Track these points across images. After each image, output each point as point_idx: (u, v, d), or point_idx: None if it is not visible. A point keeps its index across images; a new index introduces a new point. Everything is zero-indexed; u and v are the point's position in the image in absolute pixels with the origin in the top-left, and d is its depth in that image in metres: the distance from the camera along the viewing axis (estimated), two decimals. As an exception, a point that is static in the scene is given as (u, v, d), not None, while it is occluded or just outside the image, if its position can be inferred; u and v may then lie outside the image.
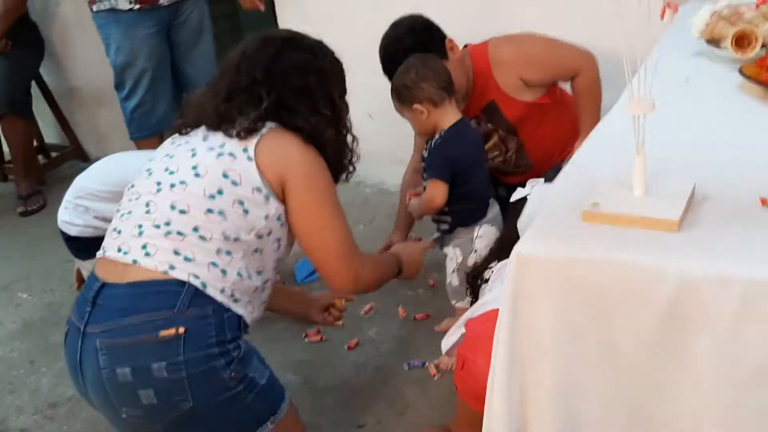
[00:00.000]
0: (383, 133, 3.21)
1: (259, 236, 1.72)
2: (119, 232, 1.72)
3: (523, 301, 1.23)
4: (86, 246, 2.72)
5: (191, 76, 3.68)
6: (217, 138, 1.74)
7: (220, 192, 1.67)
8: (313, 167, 1.76)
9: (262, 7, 3.49)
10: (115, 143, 4.05)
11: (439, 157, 2.24)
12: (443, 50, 2.52)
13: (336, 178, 1.89)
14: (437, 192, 2.23)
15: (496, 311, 1.83)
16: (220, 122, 1.74)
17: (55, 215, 2.80)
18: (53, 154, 4.43)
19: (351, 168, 1.94)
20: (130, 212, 1.73)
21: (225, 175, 1.68)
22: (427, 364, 2.45)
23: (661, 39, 1.99)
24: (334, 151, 1.84)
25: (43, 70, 4.16)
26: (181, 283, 1.62)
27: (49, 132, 4.47)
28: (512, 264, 1.22)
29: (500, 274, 2.03)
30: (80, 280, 3.00)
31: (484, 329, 1.65)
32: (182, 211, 1.67)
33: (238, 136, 1.70)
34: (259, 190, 1.69)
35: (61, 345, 2.89)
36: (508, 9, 3.05)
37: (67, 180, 2.92)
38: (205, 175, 1.69)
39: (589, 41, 2.91)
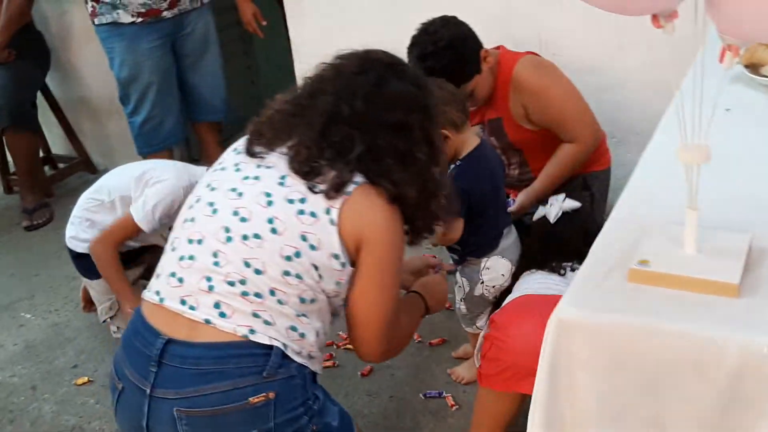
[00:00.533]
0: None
1: (329, 297, 1.57)
2: (181, 280, 1.53)
3: (563, 370, 1.09)
4: (94, 265, 2.60)
5: (198, 88, 3.56)
6: (298, 187, 1.52)
7: (297, 254, 1.49)
8: (391, 237, 1.56)
9: (260, 34, 3.46)
10: (123, 154, 3.91)
11: (454, 192, 2.09)
12: (478, 62, 2.37)
13: (422, 232, 1.69)
14: (453, 227, 2.09)
15: (517, 298, 1.83)
16: (306, 169, 1.51)
17: (62, 229, 2.68)
18: (60, 165, 4.29)
19: (439, 219, 1.71)
20: (192, 257, 1.54)
21: (303, 238, 1.49)
22: (444, 394, 2.31)
23: (693, 65, 1.83)
24: (419, 207, 1.61)
25: (50, 80, 4.02)
26: (264, 347, 1.47)
27: (57, 143, 4.33)
28: (551, 329, 1.08)
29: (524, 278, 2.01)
30: (87, 300, 2.87)
31: (511, 311, 1.75)
32: (258, 271, 1.49)
33: (324, 194, 1.50)
34: (336, 257, 1.51)
35: (65, 369, 2.82)
36: (527, 16, 2.90)
37: (75, 192, 2.80)
38: (283, 233, 1.49)
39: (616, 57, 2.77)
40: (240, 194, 1.54)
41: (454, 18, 2.39)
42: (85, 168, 4.26)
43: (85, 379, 2.61)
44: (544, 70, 2.47)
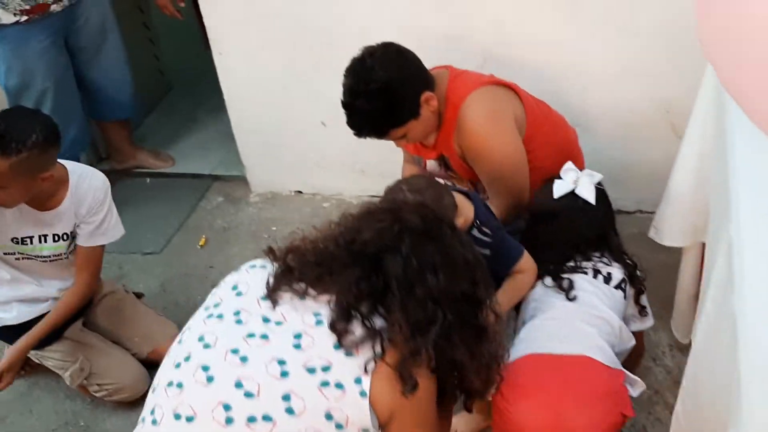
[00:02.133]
0: (338, 140, 2.65)
1: None
2: None
3: None
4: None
5: (100, 83, 2.99)
6: (319, 349, 1.15)
7: None
8: (425, 405, 1.23)
9: (180, 16, 2.98)
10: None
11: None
12: (416, 106, 1.96)
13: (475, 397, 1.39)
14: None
15: (529, 356, 1.63)
16: (337, 331, 1.16)
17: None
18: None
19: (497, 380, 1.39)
20: None
21: (328, 416, 1.13)
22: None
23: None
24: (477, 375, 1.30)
25: None
26: None
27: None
28: None
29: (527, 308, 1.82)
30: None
31: (520, 377, 1.57)
32: None
33: (348, 350, 1.15)
34: (366, 431, 1.16)
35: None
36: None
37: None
38: (302, 414, 1.12)
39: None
40: (243, 359, 1.15)
41: (398, 49, 1.96)
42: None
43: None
44: (492, 115, 2.03)
